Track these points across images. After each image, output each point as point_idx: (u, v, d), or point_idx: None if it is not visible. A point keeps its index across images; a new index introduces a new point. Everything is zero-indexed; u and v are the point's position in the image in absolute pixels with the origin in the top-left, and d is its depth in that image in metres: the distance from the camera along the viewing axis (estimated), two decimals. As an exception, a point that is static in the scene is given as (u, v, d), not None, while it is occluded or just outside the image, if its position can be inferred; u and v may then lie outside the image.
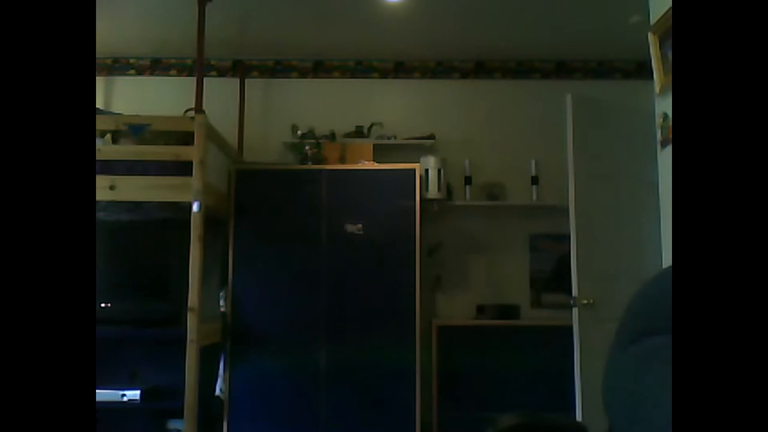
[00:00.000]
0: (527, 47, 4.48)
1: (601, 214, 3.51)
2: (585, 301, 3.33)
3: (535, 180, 4.43)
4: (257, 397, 3.79)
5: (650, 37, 2.81)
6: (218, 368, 3.82)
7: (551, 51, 4.53)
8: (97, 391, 3.46)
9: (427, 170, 4.18)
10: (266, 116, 4.65)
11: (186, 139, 3.40)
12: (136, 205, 3.51)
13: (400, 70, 4.70)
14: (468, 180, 4.42)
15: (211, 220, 3.50)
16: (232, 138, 4.28)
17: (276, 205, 3.96)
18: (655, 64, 2.80)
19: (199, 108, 3.43)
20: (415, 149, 4.46)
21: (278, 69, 4.70)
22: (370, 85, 4.69)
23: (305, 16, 4.01)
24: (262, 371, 3.80)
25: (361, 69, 4.70)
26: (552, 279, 4.47)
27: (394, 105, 4.66)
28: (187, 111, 3.75)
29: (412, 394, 3.76)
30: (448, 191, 4.35)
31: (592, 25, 4.09)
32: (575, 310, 3.33)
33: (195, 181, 3.30)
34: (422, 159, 4.22)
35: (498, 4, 3.80)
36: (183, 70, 4.65)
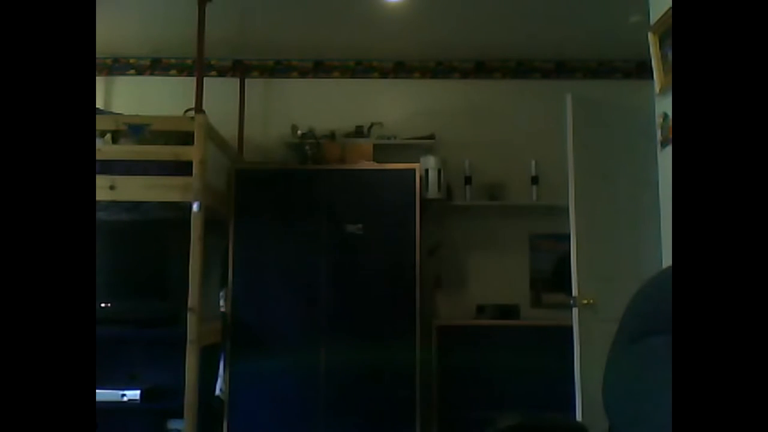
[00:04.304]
0: (527, 47, 4.48)
1: (601, 214, 3.51)
2: (585, 301, 3.32)
3: (535, 180, 4.43)
4: (257, 397, 3.79)
5: (650, 37, 2.81)
6: (218, 368, 3.82)
7: (551, 51, 4.53)
8: (97, 391, 3.46)
9: (427, 170, 4.18)
10: (266, 116, 4.65)
11: (186, 139, 3.40)
12: (136, 205, 3.51)
13: (400, 70, 4.70)
14: (468, 180, 4.42)
15: (211, 220, 3.50)
16: (232, 138, 4.27)
17: (276, 205, 3.96)
18: (655, 64, 2.80)
19: (199, 108, 3.43)
20: (415, 149, 4.46)
21: (278, 69, 4.70)
22: (370, 85, 4.69)
23: (305, 16, 4.01)
24: (262, 371, 3.80)
25: (361, 69, 4.70)
26: (552, 279, 4.46)
27: (394, 105, 4.66)
28: (187, 111, 3.74)
29: (412, 394, 3.76)
30: (448, 191, 4.35)
31: (592, 25, 4.09)
32: (575, 310, 3.33)
33: (195, 181, 3.30)
34: (422, 159, 4.22)
35: (498, 4, 3.80)
36: (183, 70, 4.65)
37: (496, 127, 4.63)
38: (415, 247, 3.89)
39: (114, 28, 4.16)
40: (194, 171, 3.31)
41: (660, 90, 2.78)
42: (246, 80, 4.63)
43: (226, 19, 3.97)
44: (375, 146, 4.41)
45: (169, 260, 3.93)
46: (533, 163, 4.43)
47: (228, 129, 4.17)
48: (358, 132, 4.51)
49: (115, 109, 4.43)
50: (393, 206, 3.94)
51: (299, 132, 4.37)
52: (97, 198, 3.21)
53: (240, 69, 4.63)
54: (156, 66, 4.68)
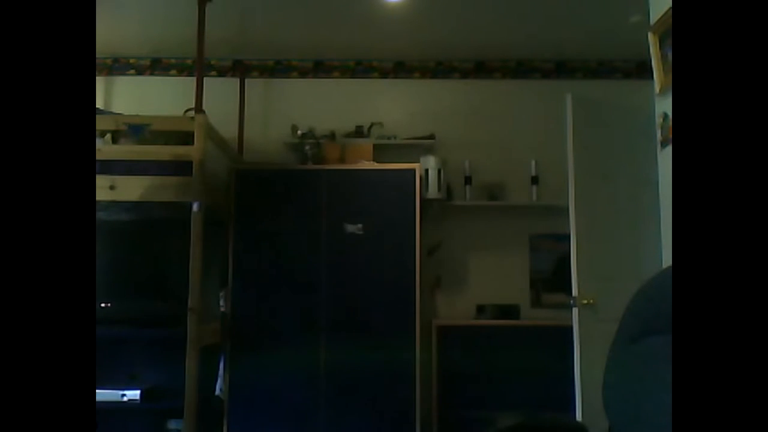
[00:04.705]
0: (527, 47, 4.48)
1: (601, 214, 3.51)
2: (585, 301, 3.32)
3: (535, 180, 4.43)
4: (257, 397, 3.79)
5: (650, 37, 2.81)
6: (218, 368, 3.82)
7: (551, 51, 4.53)
8: (97, 391, 3.45)
9: (427, 170, 4.18)
10: (266, 116, 4.65)
11: (186, 139, 3.40)
12: (136, 205, 3.51)
13: (400, 70, 4.70)
14: (468, 180, 4.42)
15: (211, 220, 3.50)
16: (232, 138, 4.27)
17: (276, 205, 3.96)
18: (655, 64, 2.80)
19: (199, 108, 3.43)
20: (415, 149, 4.46)
21: (278, 69, 4.70)
22: (370, 85, 4.69)
23: (305, 16, 4.01)
24: (262, 371, 3.80)
25: (361, 69, 4.70)
26: (552, 279, 4.46)
27: (394, 105, 4.66)
28: (187, 111, 3.74)
29: (412, 394, 3.76)
30: (448, 191, 4.35)
31: (592, 25, 4.09)
32: (575, 310, 3.33)
33: (195, 181, 3.30)
34: (422, 159, 4.22)
35: (498, 4, 3.81)
36: (183, 70, 4.65)
37: (496, 127, 4.63)
38: (415, 247, 3.89)
39: (114, 28, 4.16)
40: (194, 171, 3.31)
41: (660, 90, 2.78)
42: (246, 80, 4.63)
43: (226, 19, 3.97)
44: (375, 146, 4.42)
45: (169, 260, 3.93)
46: (533, 163, 4.43)
47: (228, 129, 4.17)
48: (358, 132, 4.51)
49: (115, 109, 4.43)
50: (393, 206, 3.94)
51: (299, 132, 4.37)
52: (97, 198, 3.21)
53: (240, 69, 4.63)
54: (156, 66, 4.68)
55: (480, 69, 4.70)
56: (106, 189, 3.26)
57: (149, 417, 3.92)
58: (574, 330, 3.32)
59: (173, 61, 4.67)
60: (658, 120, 2.80)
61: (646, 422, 0.81)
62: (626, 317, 0.98)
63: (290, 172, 4.07)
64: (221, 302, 3.94)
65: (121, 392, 3.72)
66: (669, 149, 2.70)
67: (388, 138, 4.49)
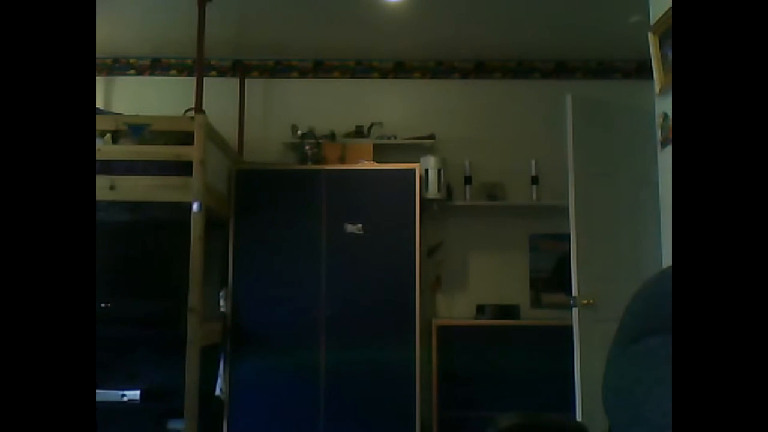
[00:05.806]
0: (527, 47, 4.48)
1: (601, 214, 3.51)
2: (585, 301, 3.32)
3: (535, 180, 4.43)
4: (257, 397, 3.79)
5: (650, 37, 2.81)
6: (218, 368, 3.82)
7: (551, 51, 4.53)
8: (97, 391, 3.45)
9: (427, 170, 4.18)
10: (266, 116, 4.65)
11: (186, 139, 3.40)
12: (136, 205, 3.51)
13: (400, 70, 4.70)
14: (468, 180, 4.42)
15: (211, 220, 3.50)
16: (232, 138, 4.27)
17: (276, 205, 3.96)
18: (655, 64, 2.80)
19: (199, 108, 3.43)
20: (415, 149, 4.46)
21: (278, 69, 4.70)
22: (370, 85, 4.69)
23: (305, 16, 4.01)
24: (262, 371, 3.80)
25: (361, 69, 4.70)
26: (552, 279, 4.46)
27: (394, 105, 4.66)
28: (187, 111, 3.74)
29: (412, 394, 3.76)
30: (448, 191, 4.35)
31: (592, 25, 4.09)
32: (575, 310, 3.33)
33: (195, 181, 3.30)
34: (422, 159, 4.22)
35: (498, 4, 3.81)
36: (183, 70, 4.65)
37: (495, 127, 4.63)
38: (415, 247, 3.89)
39: (114, 28, 4.16)
40: (194, 171, 3.31)
41: (660, 90, 2.78)
42: (246, 80, 4.63)
43: (226, 19, 3.97)
44: (375, 146, 4.42)
45: (169, 260, 3.93)
46: (533, 163, 4.43)
47: (228, 129, 4.17)
48: (358, 132, 4.51)
49: (115, 109, 4.43)
50: (393, 206, 3.94)
51: (299, 132, 4.37)
52: (97, 198, 3.21)
53: (240, 69, 4.63)
54: (156, 66, 4.68)
55: (480, 69, 4.70)
56: (106, 189, 3.26)
57: (149, 417, 3.92)
58: (574, 330, 3.32)
59: (173, 61, 4.67)
60: (658, 120, 2.80)
61: (646, 422, 0.81)
62: (626, 317, 0.98)
63: (290, 172, 4.07)
64: (221, 302, 3.94)
65: (121, 392, 3.72)
66: (669, 149, 2.70)
67: (388, 138, 4.49)
